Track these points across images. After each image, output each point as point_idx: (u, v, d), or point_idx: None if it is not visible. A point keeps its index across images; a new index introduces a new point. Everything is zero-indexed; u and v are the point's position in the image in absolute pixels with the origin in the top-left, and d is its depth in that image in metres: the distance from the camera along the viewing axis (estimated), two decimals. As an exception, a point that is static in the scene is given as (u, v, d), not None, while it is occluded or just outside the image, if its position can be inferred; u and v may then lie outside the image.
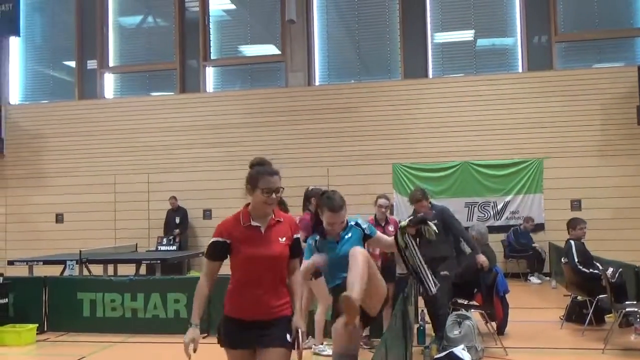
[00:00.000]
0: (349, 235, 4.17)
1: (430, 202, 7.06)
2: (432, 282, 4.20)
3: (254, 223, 3.30)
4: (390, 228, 6.69)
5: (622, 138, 12.54)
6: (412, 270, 4.20)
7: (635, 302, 7.11)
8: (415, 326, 6.95)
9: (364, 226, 4.23)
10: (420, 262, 4.15)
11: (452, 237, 6.94)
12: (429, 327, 6.98)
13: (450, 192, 12.92)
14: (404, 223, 4.14)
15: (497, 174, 12.95)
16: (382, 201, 6.98)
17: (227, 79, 15.06)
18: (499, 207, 12.93)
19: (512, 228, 12.58)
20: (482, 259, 6.80)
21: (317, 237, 4.24)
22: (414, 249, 4.14)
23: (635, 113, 12.21)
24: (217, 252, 3.28)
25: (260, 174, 3.29)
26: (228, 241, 3.26)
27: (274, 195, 3.28)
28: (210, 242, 3.29)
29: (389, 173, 13.23)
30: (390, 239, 4.30)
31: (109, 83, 15.41)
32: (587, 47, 13.50)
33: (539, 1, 13.39)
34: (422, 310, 7.06)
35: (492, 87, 13.12)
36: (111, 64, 15.38)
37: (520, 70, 13.46)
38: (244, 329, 3.28)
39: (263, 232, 3.30)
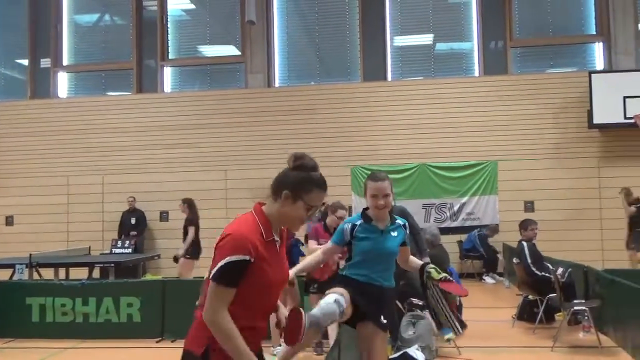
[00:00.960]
0: (395, 233, 3.88)
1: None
2: (456, 323, 4.15)
3: (275, 237, 2.58)
4: None
5: (573, 141, 12.89)
6: (432, 310, 4.16)
7: (583, 301, 7.31)
8: None
9: (406, 231, 3.98)
10: (444, 306, 4.03)
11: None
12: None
13: (408, 194, 13.05)
14: (433, 272, 3.93)
15: (453, 176, 13.15)
16: (342, 213, 6.84)
17: (185, 80, 14.88)
18: (455, 208, 13.13)
19: (472, 230, 12.75)
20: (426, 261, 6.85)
21: (359, 222, 3.85)
22: (438, 295, 3.99)
23: (586, 117, 12.58)
24: (239, 275, 2.38)
25: (313, 184, 2.58)
26: (252, 260, 2.41)
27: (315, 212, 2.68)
28: (228, 261, 2.35)
29: (347, 175, 13.28)
30: (416, 264, 4.07)
31: (63, 82, 15.04)
32: (541, 52, 13.84)
33: (495, 7, 13.66)
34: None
35: (449, 90, 13.32)
36: (65, 62, 15.01)
37: (476, 74, 13.71)
38: None
39: (278, 248, 2.60)
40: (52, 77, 14.84)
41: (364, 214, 3.88)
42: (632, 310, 6.39)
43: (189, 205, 10.10)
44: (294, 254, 7.13)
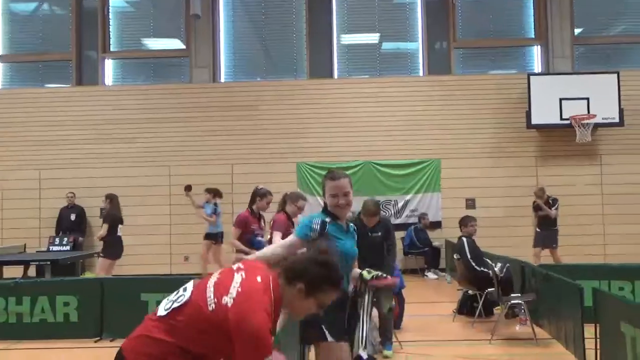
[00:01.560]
0: (355, 235, 3.80)
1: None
2: (366, 342, 3.68)
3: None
4: None
5: (513, 141, 13.29)
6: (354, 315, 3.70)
7: (519, 295, 7.55)
8: None
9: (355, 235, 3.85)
10: (366, 318, 3.67)
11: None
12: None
13: (353, 191, 13.11)
14: (366, 275, 3.66)
15: (397, 174, 13.34)
16: (302, 203, 6.96)
17: (128, 73, 14.50)
18: (400, 205, 13.33)
19: (411, 226, 13.00)
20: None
21: (328, 219, 3.66)
22: (367, 304, 3.67)
23: (524, 117, 12.99)
24: None
25: (330, 284, 2.54)
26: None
27: None
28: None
29: (293, 172, 13.27)
30: (355, 274, 3.77)
31: (-3, 73, 14.41)
32: (483, 54, 14.20)
33: (439, 9, 13.92)
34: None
35: (394, 89, 13.49)
36: (0, 52, 14.37)
37: (421, 74, 13.93)
38: None
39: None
40: (-15, 68, 14.18)
41: (329, 212, 3.68)
42: (564, 304, 6.64)
43: (111, 200, 9.88)
44: (255, 245, 6.98)
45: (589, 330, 5.90)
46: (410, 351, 6.61)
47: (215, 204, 11.62)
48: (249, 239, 7.15)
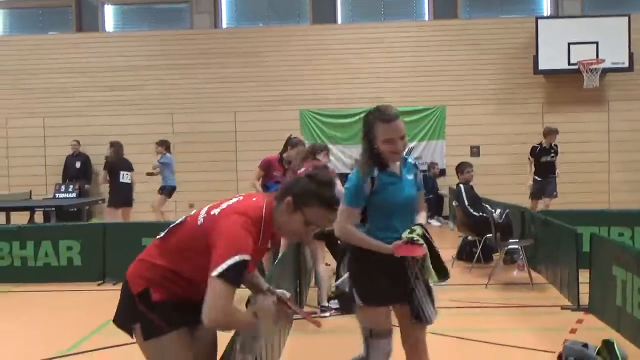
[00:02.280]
0: (410, 176, 3.21)
1: None
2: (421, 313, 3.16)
3: (268, 246, 2.56)
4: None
5: (519, 87, 13.08)
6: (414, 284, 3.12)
7: (517, 240, 7.57)
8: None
9: (418, 171, 3.31)
10: (418, 285, 3.15)
11: None
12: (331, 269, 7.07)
13: (357, 139, 12.90)
14: (405, 236, 3.02)
15: (402, 121, 13.18)
16: (302, 149, 6.59)
17: (128, 19, 14.29)
18: (404, 153, 13.24)
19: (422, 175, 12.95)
20: None
21: (376, 173, 3.09)
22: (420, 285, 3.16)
23: (531, 63, 12.73)
24: (242, 274, 2.33)
25: (317, 199, 2.46)
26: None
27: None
28: (238, 260, 2.25)
29: (296, 119, 13.18)
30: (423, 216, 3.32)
31: (-3, 19, 14.25)
32: (489, -3, 13.83)
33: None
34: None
35: (398, 34, 13.22)
36: (-1, -2, 14.19)
37: (426, 18, 13.62)
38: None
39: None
40: (-16, 14, 14.03)
41: (377, 161, 3.08)
42: (562, 249, 6.66)
43: (112, 147, 9.95)
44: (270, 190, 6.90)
45: (585, 275, 5.95)
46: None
47: (164, 156, 10.73)
48: (267, 184, 6.97)
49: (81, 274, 7.51)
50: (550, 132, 10.24)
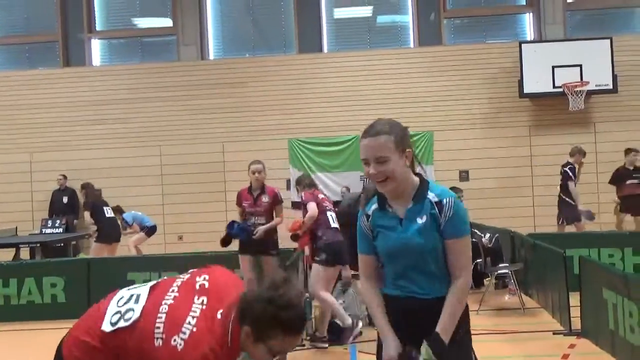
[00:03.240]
0: (421, 219, 2.45)
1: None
2: None
3: None
4: (264, 199, 6.49)
5: (505, 111, 13.14)
6: None
7: (507, 265, 7.51)
8: None
9: (445, 212, 2.44)
10: None
11: None
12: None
13: (345, 166, 13.06)
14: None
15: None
16: (255, 167, 6.63)
17: (115, 53, 14.34)
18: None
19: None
20: None
21: (373, 207, 2.57)
22: None
23: (517, 87, 12.82)
24: None
25: (279, 328, 2.12)
26: None
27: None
28: None
29: (284, 148, 13.16)
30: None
31: (-17, 56, 14.26)
32: (474, 23, 13.98)
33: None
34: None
35: (384, 62, 13.30)
36: (-15, 35, 14.21)
37: (412, 45, 13.74)
38: None
39: None
40: (-29, 51, 14.04)
41: (378, 195, 2.55)
42: (551, 272, 6.60)
43: (84, 189, 10.29)
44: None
45: (576, 298, 5.88)
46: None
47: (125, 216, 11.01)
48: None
49: (65, 311, 7.34)
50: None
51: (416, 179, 2.52)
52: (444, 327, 2.40)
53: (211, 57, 13.89)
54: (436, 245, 2.44)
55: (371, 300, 2.57)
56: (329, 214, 6.16)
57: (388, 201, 2.51)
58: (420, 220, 2.44)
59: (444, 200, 2.45)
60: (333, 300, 5.99)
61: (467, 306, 2.54)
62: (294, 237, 6.65)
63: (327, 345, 5.88)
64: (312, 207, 6.01)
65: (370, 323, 6.06)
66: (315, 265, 6.05)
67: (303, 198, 6.25)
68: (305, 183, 6.54)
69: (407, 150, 2.48)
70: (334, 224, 6.13)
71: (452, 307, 2.42)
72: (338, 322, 6.03)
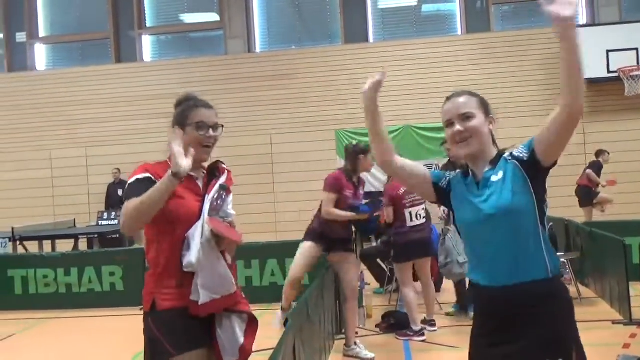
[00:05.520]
0: (499, 175, 2.18)
1: None
2: None
3: (193, 174, 2.55)
4: (361, 190, 5.62)
5: (557, 98, 12.78)
6: None
7: (562, 254, 7.34)
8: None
9: (521, 152, 2.21)
10: None
11: None
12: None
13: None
14: None
15: (438, 137, 13.02)
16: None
17: (164, 48, 14.64)
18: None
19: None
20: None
21: (452, 174, 2.38)
22: None
23: (569, 72, 12.45)
24: (144, 188, 2.46)
25: (187, 108, 2.60)
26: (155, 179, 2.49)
27: (211, 132, 2.57)
28: (134, 179, 2.49)
29: (332, 139, 13.20)
30: None
31: (40, 54, 14.78)
32: (523, 8, 13.64)
33: (477, -37, 13.43)
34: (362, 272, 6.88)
35: (432, 50, 13.15)
36: (41, 34, 14.73)
37: (459, 32, 13.53)
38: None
39: (200, 184, 2.61)
40: (28, 50, 14.57)
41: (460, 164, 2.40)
42: (609, 261, 6.42)
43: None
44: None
45: (636, 288, 5.71)
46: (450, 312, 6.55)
47: None
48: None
49: (124, 299, 7.60)
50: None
51: (495, 151, 2.30)
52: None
53: (258, 50, 14.03)
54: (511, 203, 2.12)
55: None
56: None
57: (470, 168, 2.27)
58: (495, 178, 2.20)
59: (514, 152, 2.24)
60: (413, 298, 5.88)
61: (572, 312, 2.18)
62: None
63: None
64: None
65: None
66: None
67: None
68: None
69: (490, 116, 2.34)
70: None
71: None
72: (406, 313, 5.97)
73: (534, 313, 2.09)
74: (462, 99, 2.33)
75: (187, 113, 2.58)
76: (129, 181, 2.47)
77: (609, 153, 11.15)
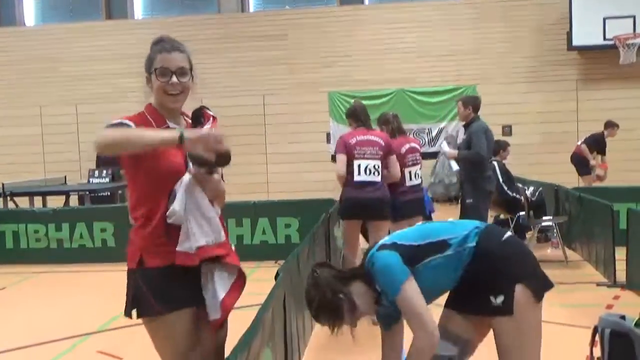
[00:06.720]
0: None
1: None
2: None
3: (170, 124, 2.43)
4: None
5: (552, 64, 12.76)
6: None
7: (551, 217, 7.42)
8: None
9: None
10: None
11: None
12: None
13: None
14: None
15: (432, 101, 13.04)
16: None
17: (156, 6, 14.37)
18: (434, 133, 13.11)
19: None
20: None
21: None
22: None
23: (565, 39, 12.40)
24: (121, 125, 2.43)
25: (151, 53, 2.44)
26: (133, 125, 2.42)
27: (174, 79, 2.39)
28: (110, 124, 2.41)
29: (324, 101, 13.13)
30: None
31: (29, 9, 14.48)
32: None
33: None
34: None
35: (426, 14, 13.01)
36: (30, -13, 14.41)
37: (455, -4, 13.37)
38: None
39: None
40: (17, 4, 14.26)
41: None
42: (597, 225, 6.50)
43: None
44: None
45: (622, 252, 5.80)
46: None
47: None
48: None
49: (115, 255, 7.60)
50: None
51: None
52: None
53: (251, 9, 13.81)
54: None
55: None
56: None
57: None
58: None
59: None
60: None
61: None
62: None
63: None
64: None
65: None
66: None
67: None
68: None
69: None
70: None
71: None
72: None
73: None
74: None
75: (152, 58, 2.43)
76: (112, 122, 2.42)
77: (618, 127, 10.38)
